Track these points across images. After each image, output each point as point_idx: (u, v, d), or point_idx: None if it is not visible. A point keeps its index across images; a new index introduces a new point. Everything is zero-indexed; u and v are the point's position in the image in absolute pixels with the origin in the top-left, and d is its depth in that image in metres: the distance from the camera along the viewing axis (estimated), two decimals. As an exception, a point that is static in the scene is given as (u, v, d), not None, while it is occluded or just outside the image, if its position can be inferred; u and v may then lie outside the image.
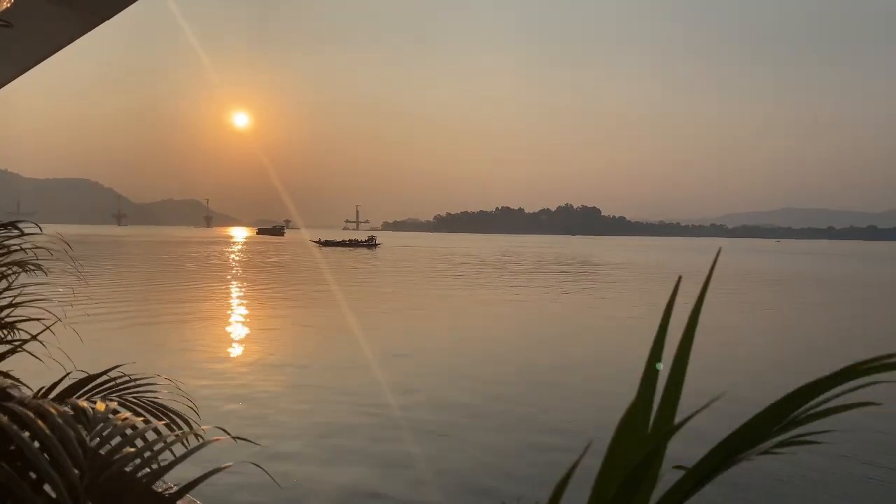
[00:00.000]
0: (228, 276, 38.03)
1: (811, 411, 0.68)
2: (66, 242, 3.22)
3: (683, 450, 1.10)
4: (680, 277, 0.74)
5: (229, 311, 22.05)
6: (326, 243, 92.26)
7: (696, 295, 0.66)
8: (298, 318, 21.02)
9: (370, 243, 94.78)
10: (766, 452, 0.66)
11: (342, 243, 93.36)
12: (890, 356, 0.67)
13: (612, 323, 21.94)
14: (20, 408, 1.68)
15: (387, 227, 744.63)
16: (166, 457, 1.66)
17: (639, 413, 0.62)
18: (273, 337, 17.05)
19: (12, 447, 1.71)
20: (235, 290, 29.74)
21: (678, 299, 0.68)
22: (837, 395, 0.69)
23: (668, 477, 0.66)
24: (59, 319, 2.82)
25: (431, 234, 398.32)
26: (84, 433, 1.74)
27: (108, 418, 1.86)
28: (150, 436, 1.82)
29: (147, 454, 1.67)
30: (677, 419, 0.63)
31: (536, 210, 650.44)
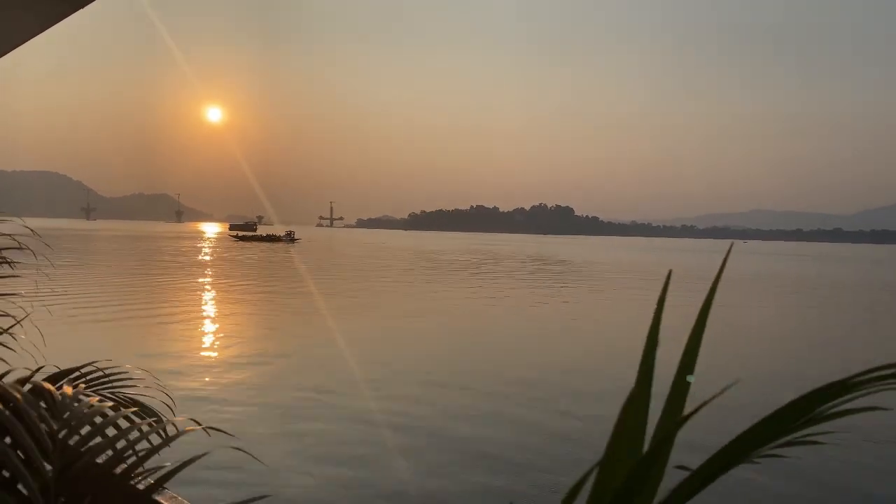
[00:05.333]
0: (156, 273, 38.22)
1: (810, 415, 0.69)
2: (33, 231, 3.04)
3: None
4: (670, 271, 0.75)
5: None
6: (244, 238, 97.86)
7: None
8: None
9: (289, 238, 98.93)
10: (768, 455, 0.67)
11: (261, 238, 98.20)
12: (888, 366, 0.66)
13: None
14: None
15: (361, 224, 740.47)
16: (141, 448, 1.61)
17: (638, 405, 0.62)
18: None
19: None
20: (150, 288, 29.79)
21: (644, 293, 0.68)
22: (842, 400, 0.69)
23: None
24: (28, 314, 2.71)
25: (404, 231, 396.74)
26: (53, 423, 1.67)
27: (75, 405, 1.76)
28: (123, 424, 1.76)
29: (120, 445, 1.60)
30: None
31: (511, 209, 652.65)
